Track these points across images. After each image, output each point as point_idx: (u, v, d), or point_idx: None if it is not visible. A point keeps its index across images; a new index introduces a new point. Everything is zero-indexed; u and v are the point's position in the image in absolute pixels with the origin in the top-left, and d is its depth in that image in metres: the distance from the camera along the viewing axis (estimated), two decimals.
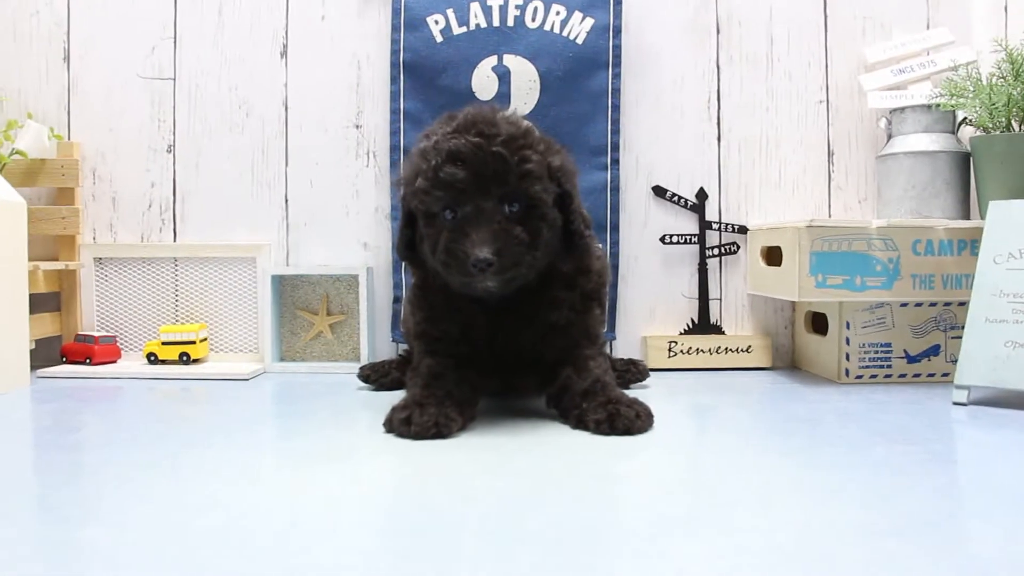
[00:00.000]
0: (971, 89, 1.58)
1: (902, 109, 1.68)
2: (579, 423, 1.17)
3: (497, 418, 1.25)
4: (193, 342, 1.72)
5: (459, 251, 1.11)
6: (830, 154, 1.81)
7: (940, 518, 0.81)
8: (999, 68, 1.58)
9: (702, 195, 1.80)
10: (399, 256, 1.28)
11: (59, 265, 1.75)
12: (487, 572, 0.66)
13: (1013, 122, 1.55)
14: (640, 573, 0.66)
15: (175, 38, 1.82)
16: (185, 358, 1.72)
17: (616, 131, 1.75)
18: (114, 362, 1.75)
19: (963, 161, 1.65)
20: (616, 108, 1.75)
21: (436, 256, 1.15)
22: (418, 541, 0.74)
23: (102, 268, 1.82)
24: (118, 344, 1.78)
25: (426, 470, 0.98)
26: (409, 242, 1.23)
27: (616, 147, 1.75)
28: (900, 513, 0.81)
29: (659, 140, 1.80)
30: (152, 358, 1.73)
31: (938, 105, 1.63)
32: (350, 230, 1.82)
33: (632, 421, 1.13)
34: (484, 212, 1.11)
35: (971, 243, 1.53)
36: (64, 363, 1.73)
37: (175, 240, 1.83)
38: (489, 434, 1.15)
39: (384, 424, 1.17)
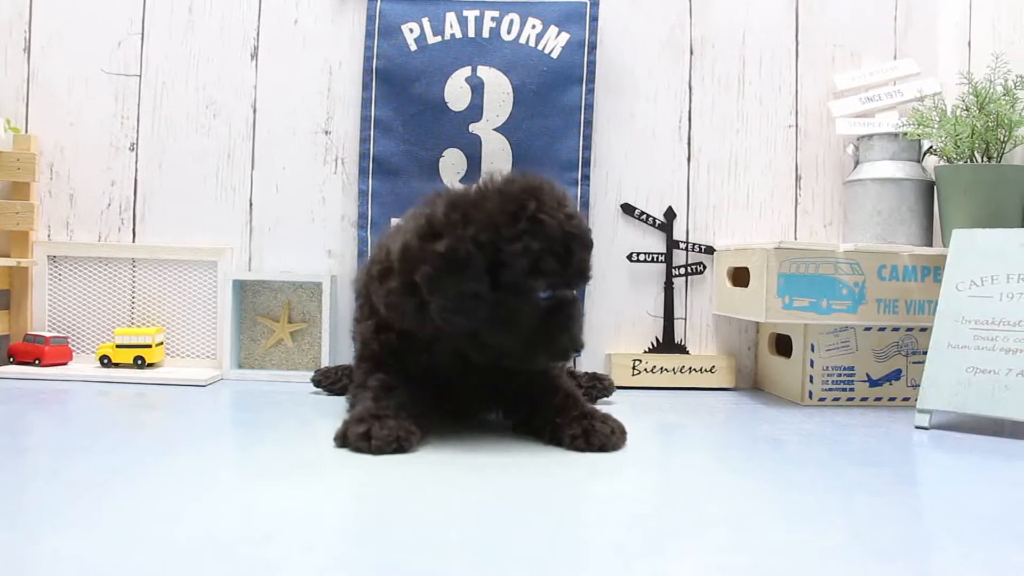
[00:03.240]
0: (937, 120, 1.61)
1: (870, 136, 1.71)
2: (552, 438, 1.15)
3: (457, 431, 1.22)
4: (149, 346, 1.67)
5: (555, 333, 1.11)
6: (797, 178, 1.83)
7: (922, 540, 0.81)
8: (963, 100, 1.61)
9: (670, 214, 1.80)
10: (407, 315, 1.13)
11: (10, 262, 1.68)
12: None
13: (976, 153, 1.59)
14: None
15: (143, 34, 1.77)
16: (140, 362, 1.67)
17: (588, 147, 1.75)
18: (65, 364, 1.69)
19: (928, 189, 1.68)
20: (588, 124, 1.75)
21: (512, 330, 1.10)
22: (402, 557, 0.71)
23: (56, 266, 1.76)
24: (70, 346, 1.72)
25: (395, 484, 0.95)
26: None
27: (587, 163, 1.75)
28: (882, 535, 0.80)
29: (630, 157, 1.81)
30: (105, 361, 1.67)
31: (905, 134, 1.66)
32: (315, 237, 1.78)
33: (607, 437, 1.12)
34: (576, 297, 1.15)
35: (935, 270, 1.55)
36: (11, 363, 1.67)
37: (134, 240, 1.77)
38: (452, 448, 1.12)
39: (336, 439, 1.09)
